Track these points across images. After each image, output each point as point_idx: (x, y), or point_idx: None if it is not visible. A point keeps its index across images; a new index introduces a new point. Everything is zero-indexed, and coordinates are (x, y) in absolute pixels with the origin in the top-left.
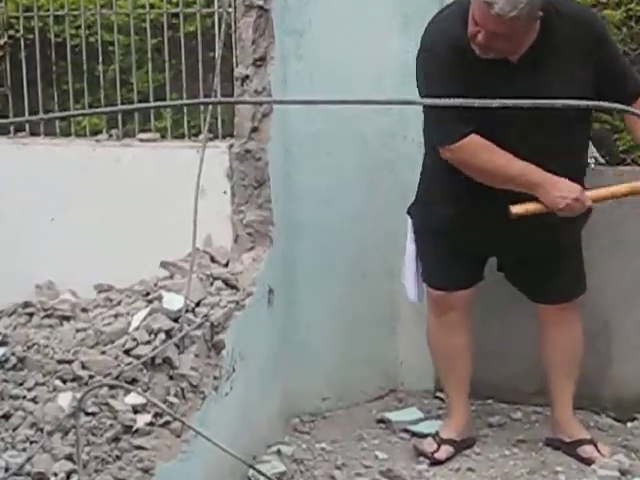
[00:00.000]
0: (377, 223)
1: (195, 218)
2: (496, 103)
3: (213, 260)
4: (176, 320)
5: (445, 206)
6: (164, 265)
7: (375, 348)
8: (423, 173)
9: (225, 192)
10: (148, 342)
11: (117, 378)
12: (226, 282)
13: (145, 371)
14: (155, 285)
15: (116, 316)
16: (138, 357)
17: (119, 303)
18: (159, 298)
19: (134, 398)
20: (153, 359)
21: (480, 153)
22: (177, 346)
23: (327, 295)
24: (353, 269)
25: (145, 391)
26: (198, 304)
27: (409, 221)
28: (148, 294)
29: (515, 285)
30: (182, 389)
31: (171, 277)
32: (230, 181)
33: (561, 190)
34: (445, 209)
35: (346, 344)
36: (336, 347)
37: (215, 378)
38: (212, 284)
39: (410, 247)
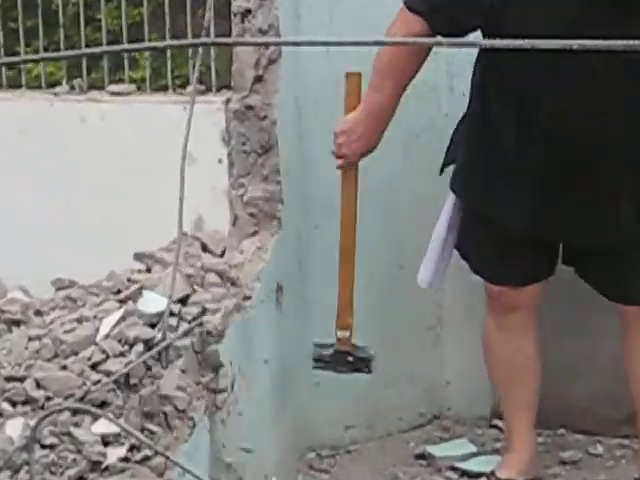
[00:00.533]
0: (417, 197)
1: (181, 194)
2: None
3: (205, 249)
4: (155, 326)
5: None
6: (140, 256)
7: (414, 362)
8: (468, 133)
9: (220, 161)
10: (121, 354)
11: (82, 400)
12: (222, 277)
13: (118, 392)
14: (129, 281)
15: (80, 321)
16: (108, 374)
17: (83, 304)
18: (134, 298)
19: (104, 426)
20: (128, 377)
21: (392, 36)
22: (158, 360)
23: None
24: (386, 259)
25: (118, 417)
26: (184, 304)
27: (450, 196)
28: (120, 292)
29: (587, 281)
30: (165, 415)
31: (149, 271)
32: (227, 146)
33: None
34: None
35: (377, 357)
36: None
37: (207, 401)
38: (203, 280)
39: (442, 227)
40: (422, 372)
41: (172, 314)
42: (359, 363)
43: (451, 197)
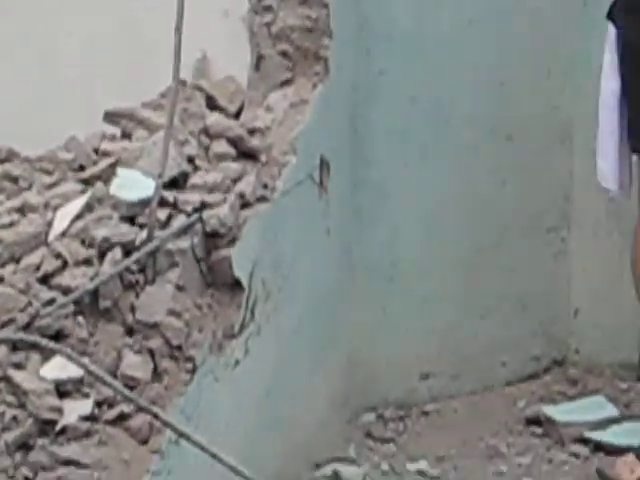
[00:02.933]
0: None
1: (179, 22)
2: None
3: (213, 105)
4: (136, 221)
5: None
6: (114, 116)
7: (526, 280)
8: None
9: None
10: (86, 262)
11: (26, 329)
12: (237, 146)
13: (80, 318)
14: (97, 153)
15: (23, 211)
16: (66, 291)
17: (29, 186)
18: (106, 178)
19: (59, 369)
20: (96, 296)
21: None
22: (142, 270)
23: (438, 167)
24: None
25: (81, 355)
26: (181, 188)
27: (610, 29)
28: (84, 169)
29: None
30: (151, 353)
31: (128, 137)
32: None
33: None
34: None
35: (470, 271)
36: (453, 277)
37: (215, 333)
38: (209, 151)
39: (611, 83)
40: (538, 295)
41: (162, 203)
42: None
43: None
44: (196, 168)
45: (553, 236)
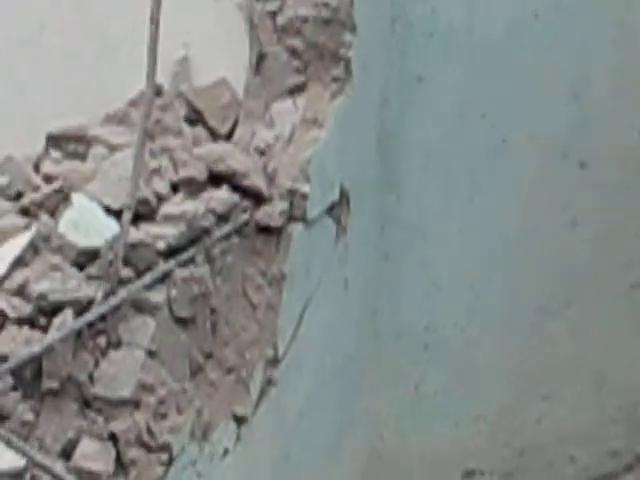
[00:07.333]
0: None
1: (155, 8)
2: None
3: (197, 118)
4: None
5: None
6: (59, 139)
7: (602, 353)
8: None
9: None
10: (29, 323)
11: None
12: (227, 175)
13: (18, 394)
14: (41, 176)
15: None
16: (4, 358)
17: None
18: (50, 207)
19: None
20: (39, 367)
21: None
22: (103, 331)
23: (489, 202)
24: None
25: (24, 440)
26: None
27: None
28: (21, 196)
29: None
30: (114, 437)
31: (78, 157)
32: None
33: None
34: None
35: (530, 339)
36: (508, 346)
37: (200, 412)
38: (191, 179)
39: None
40: (617, 370)
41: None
42: None
43: None
44: (160, 201)
45: (638, 295)
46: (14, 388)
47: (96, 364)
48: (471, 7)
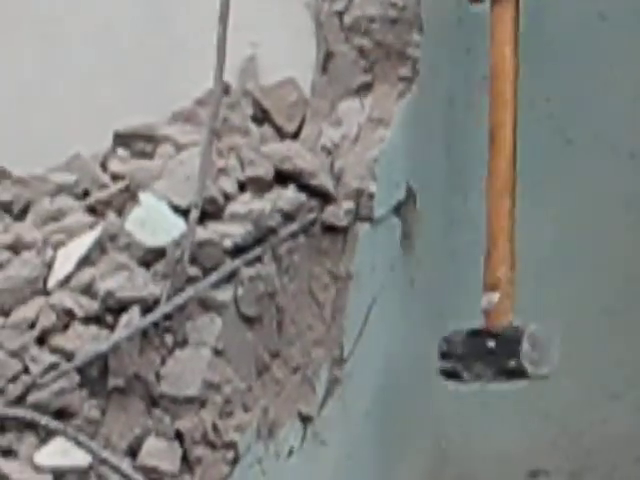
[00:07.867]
0: None
1: (224, 7)
2: None
3: (264, 118)
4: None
5: None
6: (125, 137)
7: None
8: None
9: None
10: (96, 320)
11: (18, 404)
12: (293, 174)
13: (85, 391)
14: (108, 173)
15: (15, 249)
16: (71, 355)
17: (22, 215)
18: (117, 206)
19: (60, 454)
20: (105, 364)
21: None
22: (169, 329)
23: (557, 200)
24: None
25: (90, 437)
26: (209, 217)
27: None
28: (88, 194)
29: None
30: (180, 435)
31: (146, 155)
32: None
33: None
34: None
35: (598, 338)
36: (575, 346)
37: (266, 411)
38: (258, 178)
39: None
40: None
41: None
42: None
43: None
44: (227, 200)
45: None
46: (81, 386)
47: (162, 362)
48: (537, 7)
